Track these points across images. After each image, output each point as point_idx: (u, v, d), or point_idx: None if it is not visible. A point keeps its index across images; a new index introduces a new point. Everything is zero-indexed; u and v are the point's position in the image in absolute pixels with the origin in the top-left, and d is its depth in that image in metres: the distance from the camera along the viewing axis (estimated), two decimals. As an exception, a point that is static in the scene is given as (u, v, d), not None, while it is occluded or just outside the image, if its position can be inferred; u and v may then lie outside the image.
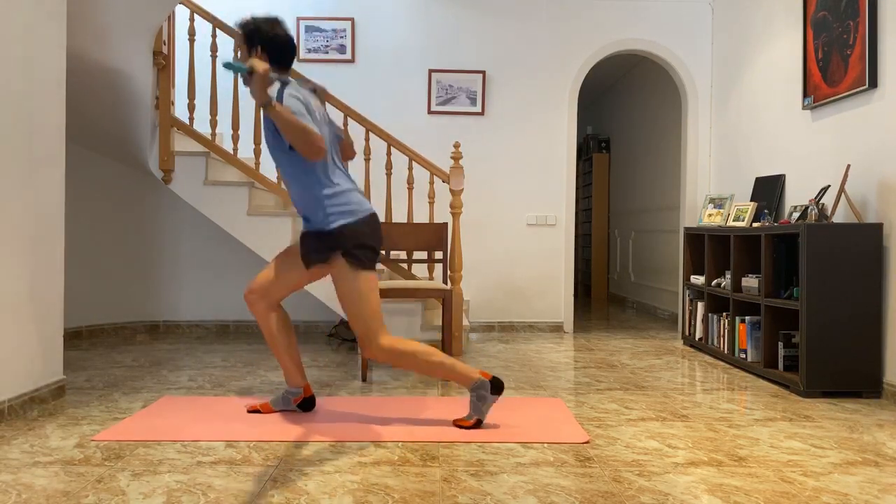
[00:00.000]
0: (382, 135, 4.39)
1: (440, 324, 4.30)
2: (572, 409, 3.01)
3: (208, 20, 4.37)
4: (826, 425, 2.83)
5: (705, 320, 4.53)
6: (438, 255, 5.02)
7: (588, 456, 2.38)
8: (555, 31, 5.49)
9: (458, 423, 2.70)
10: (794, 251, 3.71)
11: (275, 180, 4.71)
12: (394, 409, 2.98)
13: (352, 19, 5.43)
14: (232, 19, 5.35)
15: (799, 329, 3.39)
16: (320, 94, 2.81)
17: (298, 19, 5.42)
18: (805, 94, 4.06)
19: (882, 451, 2.49)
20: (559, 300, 5.54)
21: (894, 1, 3.33)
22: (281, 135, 2.55)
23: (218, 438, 2.51)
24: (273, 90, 2.59)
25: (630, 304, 7.63)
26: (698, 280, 4.66)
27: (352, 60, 5.44)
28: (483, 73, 5.45)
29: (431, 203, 4.49)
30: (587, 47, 5.50)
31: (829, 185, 3.66)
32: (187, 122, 4.81)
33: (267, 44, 2.63)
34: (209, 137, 4.44)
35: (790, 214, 3.91)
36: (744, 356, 3.98)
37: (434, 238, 4.01)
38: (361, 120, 4.38)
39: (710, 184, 5.49)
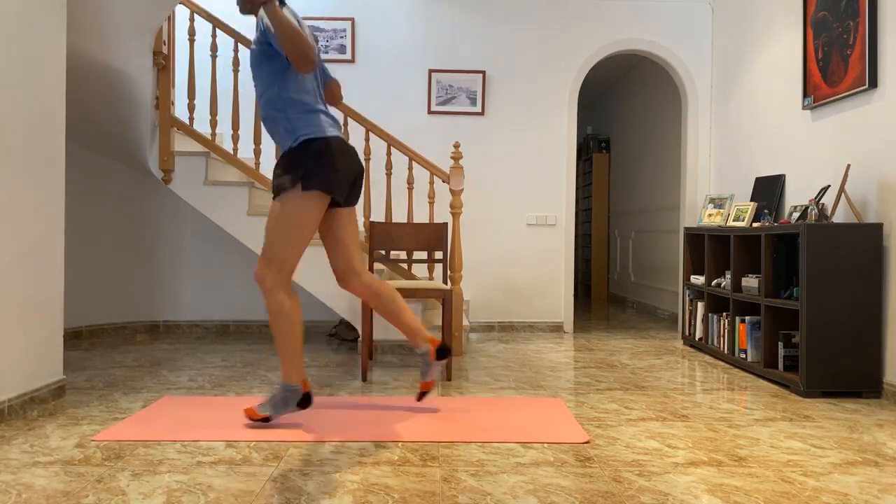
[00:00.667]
0: (382, 135, 4.39)
1: (440, 324, 4.30)
2: (572, 409, 3.01)
3: (208, 20, 4.37)
4: (826, 425, 2.83)
5: (705, 320, 4.53)
6: (438, 255, 5.02)
7: (588, 456, 2.38)
8: (555, 31, 5.49)
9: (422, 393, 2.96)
10: (794, 251, 3.71)
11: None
12: (394, 408, 2.98)
13: (352, 19, 5.43)
14: (232, 19, 5.35)
15: (799, 329, 3.39)
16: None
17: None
18: (805, 94, 4.06)
19: (882, 451, 2.49)
20: (559, 300, 5.54)
21: (894, 1, 3.33)
22: (268, 44, 2.59)
23: (218, 438, 2.52)
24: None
25: (630, 304, 7.63)
26: (698, 280, 4.66)
27: (352, 60, 5.44)
28: (483, 73, 5.45)
29: (431, 203, 4.48)
30: (587, 47, 5.50)
31: (829, 185, 3.66)
32: (187, 122, 4.82)
33: None
34: (209, 137, 4.44)
35: (790, 214, 3.91)
36: (744, 356, 3.98)
37: (434, 238, 4.01)
38: (361, 120, 4.38)
39: (710, 184, 5.49)
